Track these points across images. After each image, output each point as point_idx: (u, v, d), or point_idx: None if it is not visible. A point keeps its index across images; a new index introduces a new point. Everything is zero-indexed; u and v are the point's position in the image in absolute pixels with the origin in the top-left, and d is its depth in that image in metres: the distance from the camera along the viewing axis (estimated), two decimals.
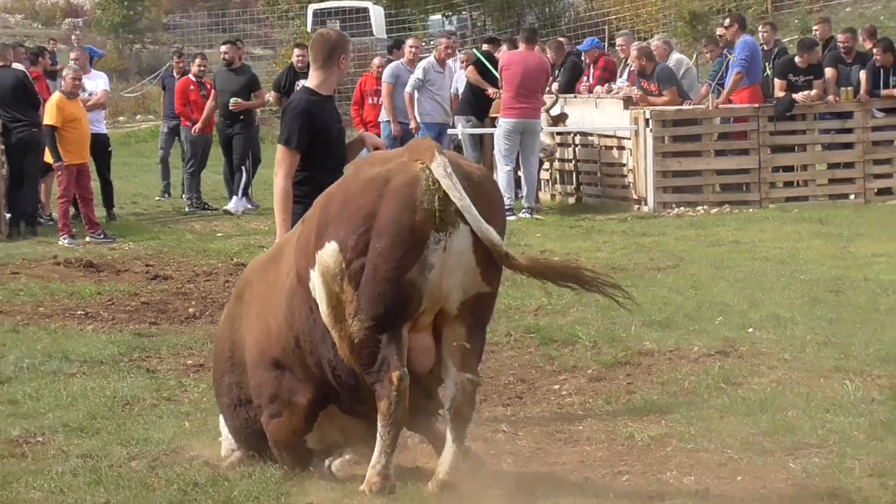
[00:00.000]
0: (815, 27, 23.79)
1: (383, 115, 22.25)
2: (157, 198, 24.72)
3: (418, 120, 21.51)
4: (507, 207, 19.70)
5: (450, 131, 21.94)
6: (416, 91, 21.59)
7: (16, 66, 20.57)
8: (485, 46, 23.48)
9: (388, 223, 7.29)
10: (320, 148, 9.16)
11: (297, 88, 22.04)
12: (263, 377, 7.99)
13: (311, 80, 9.34)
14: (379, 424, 7.34)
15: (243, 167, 22.60)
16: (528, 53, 20.69)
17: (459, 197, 7.20)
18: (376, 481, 7.37)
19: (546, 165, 22.61)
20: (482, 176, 7.73)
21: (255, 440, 8.18)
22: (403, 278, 7.27)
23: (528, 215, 20.26)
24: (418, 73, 21.62)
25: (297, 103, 9.28)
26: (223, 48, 23.69)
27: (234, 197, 22.50)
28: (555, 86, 22.55)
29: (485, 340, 7.80)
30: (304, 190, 8.96)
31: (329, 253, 7.42)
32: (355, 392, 7.64)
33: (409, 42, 23.75)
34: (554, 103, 21.87)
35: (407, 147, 7.90)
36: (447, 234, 7.26)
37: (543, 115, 21.13)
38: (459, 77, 22.48)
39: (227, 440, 8.46)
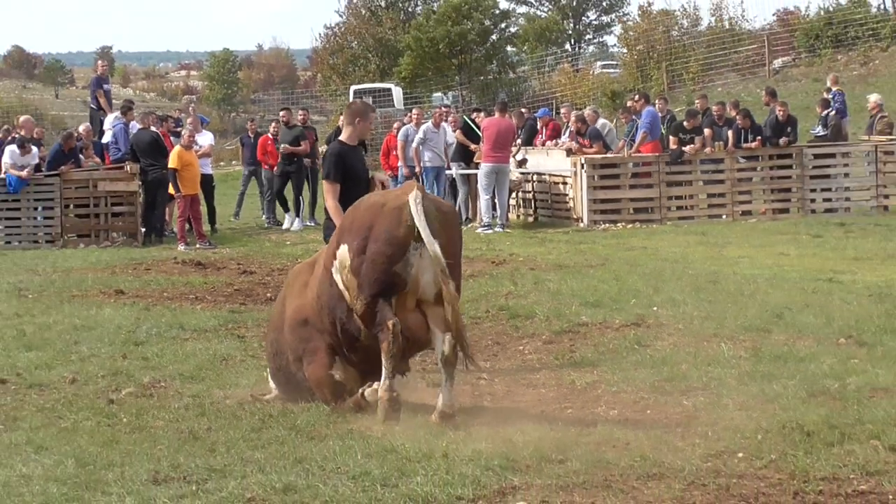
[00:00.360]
0: (696, 101, 23.63)
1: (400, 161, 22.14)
2: (230, 218, 24.43)
3: (422, 165, 21.46)
4: (485, 224, 19.89)
5: (446, 172, 21.85)
6: (420, 145, 21.51)
7: (152, 128, 20.51)
8: (473, 114, 23.34)
9: (382, 232, 7.51)
10: (349, 181, 9.08)
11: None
12: (298, 334, 8.11)
13: (343, 135, 9.29)
14: (383, 358, 7.45)
15: (300, 197, 22.50)
16: (501, 119, 20.58)
17: (419, 220, 7.36)
18: (386, 396, 7.45)
19: (514, 195, 22.49)
20: (447, 209, 7.95)
21: (284, 380, 8.27)
22: (393, 270, 7.46)
23: (500, 229, 20.15)
24: (420, 133, 21.59)
25: (333, 150, 9.28)
26: (281, 113, 23.82)
27: (297, 219, 22.38)
28: (519, 141, 22.45)
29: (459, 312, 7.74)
30: None
31: (342, 252, 7.64)
32: (353, 343, 7.78)
33: (414, 111, 23.71)
34: (517, 151, 21.83)
35: (401, 186, 8.15)
36: (422, 244, 7.41)
37: (511, 160, 21.05)
38: (450, 134, 22.32)
39: (270, 382, 8.47)
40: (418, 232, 7.37)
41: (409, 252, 7.46)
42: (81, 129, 21.85)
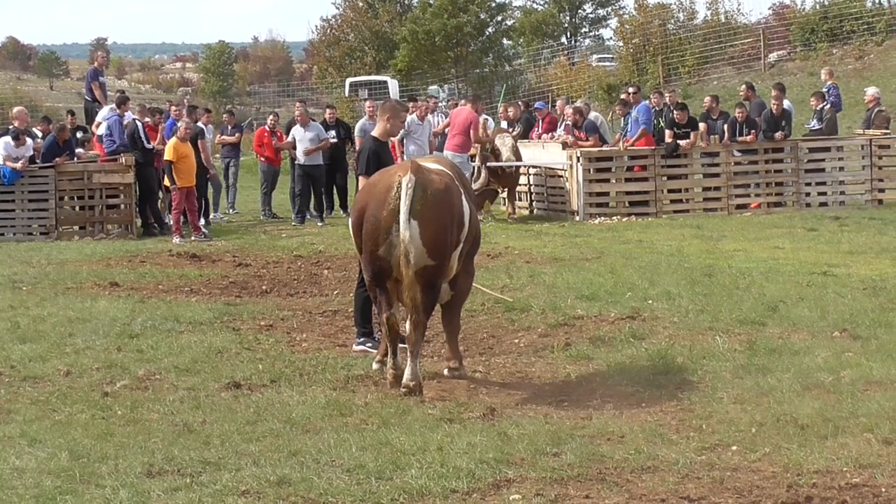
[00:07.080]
0: (667, 94, 23.19)
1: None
2: (227, 210, 24.06)
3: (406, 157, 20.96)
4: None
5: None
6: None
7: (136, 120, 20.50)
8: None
9: (369, 215, 8.00)
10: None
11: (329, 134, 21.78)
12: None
13: (375, 131, 9.48)
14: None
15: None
16: (461, 109, 20.46)
17: (403, 203, 7.70)
18: (390, 374, 8.16)
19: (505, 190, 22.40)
20: (437, 190, 7.98)
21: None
22: (377, 252, 7.94)
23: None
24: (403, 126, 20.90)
25: (366, 146, 9.44)
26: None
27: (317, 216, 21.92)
28: (516, 132, 22.39)
29: (434, 295, 8.16)
30: None
31: (350, 224, 8.52)
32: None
33: (367, 103, 23.35)
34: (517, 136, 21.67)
35: (401, 163, 8.52)
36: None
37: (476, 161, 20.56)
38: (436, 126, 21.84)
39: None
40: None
41: (391, 234, 7.77)
42: (15, 111, 21.72)
